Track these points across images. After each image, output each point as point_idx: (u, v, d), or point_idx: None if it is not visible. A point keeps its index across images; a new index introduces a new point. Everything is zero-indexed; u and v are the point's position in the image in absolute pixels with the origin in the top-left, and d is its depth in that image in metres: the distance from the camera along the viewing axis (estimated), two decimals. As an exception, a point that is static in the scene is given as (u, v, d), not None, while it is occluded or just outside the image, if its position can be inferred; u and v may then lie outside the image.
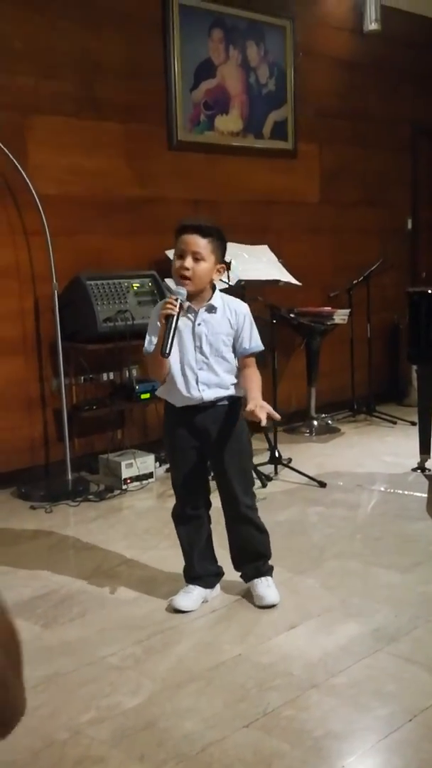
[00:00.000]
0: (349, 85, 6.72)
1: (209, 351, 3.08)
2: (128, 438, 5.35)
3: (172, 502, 4.66)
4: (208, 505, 3.33)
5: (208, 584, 3.35)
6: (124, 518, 4.42)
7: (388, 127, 7.07)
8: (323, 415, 6.41)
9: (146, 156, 5.44)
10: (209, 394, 3.11)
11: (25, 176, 4.64)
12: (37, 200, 4.66)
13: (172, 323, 2.91)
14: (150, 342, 3.08)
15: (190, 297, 3.04)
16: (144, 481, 4.94)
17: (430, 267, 7.61)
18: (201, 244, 2.99)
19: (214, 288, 3.12)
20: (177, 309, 2.91)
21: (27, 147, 4.85)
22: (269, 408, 3.03)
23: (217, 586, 3.39)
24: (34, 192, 4.65)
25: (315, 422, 6.25)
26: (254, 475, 3.42)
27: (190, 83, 5.64)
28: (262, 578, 3.32)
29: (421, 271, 7.54)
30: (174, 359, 3.07)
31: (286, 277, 5.42)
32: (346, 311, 6.11)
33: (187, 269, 2.98)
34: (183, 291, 2.99)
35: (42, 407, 5.05)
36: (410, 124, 7.28)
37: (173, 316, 2.91)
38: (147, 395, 5.12)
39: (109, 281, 4.98)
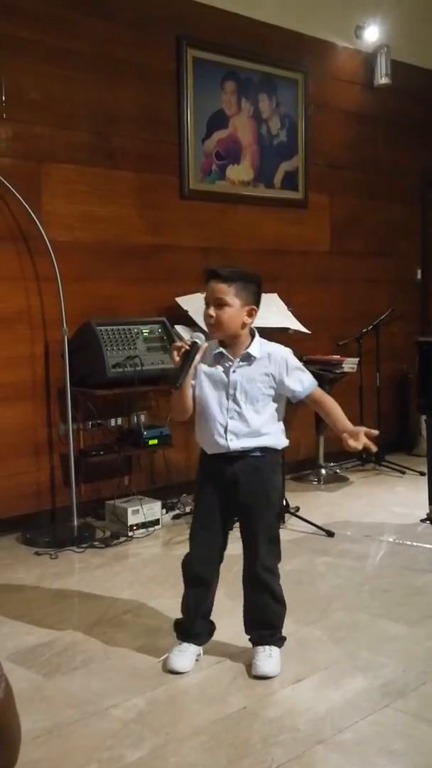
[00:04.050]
0: (359, 137, 6.81)
1: (244, 399, 2.99)
2: (135, 484, 5.33)
3: (178, 549, 4.65)
4: (221, 560, 3.18)
5: (202, 642, 3.22)
6: (129, 566, 4.38)
7: (398, 179, 7.15)
8: (331, 464, 6.38)
9: (158, 204, 5.50)
10: (237, 444, 3.00)
11: (38, 223, 4.69)
12: (50, 247, 4.70)
13: (189, 356, 2.90)
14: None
15: (226, 345, 3.00)
16: (150, 528, 4.91)
17: (439, 317, 7.63)
18: (222, 289, 2.93)
19: (253, 333, 3.04)
20: (188, 345, 2.90)
21: (41, 194, 4.91)
22: (364, 429, 2.95)
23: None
24: (46, 238, 4.70)
25: (323, 471, 6.22)
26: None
27: (202, 133, 5.73)
28: (266, 647, 3.12)
29: (430, 320, 7.56)
30: (207, 405, 3.02)
31: (295, 325, 5.44)
32: (355, 360, 6.12)
33: (211, 317, 2.95)
34: (201, 335, 2.98)
35: (49, 452, 5.04)
36: (420, 177, 7.35)
37: (188, 350, 2.90)
38: (155, 441, 5.12)
39: (119, 327, 5.00)
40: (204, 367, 3.03)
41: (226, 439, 3.01)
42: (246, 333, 3.02)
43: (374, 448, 2.97)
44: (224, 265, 3.07)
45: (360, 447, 2.94)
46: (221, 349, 3.02)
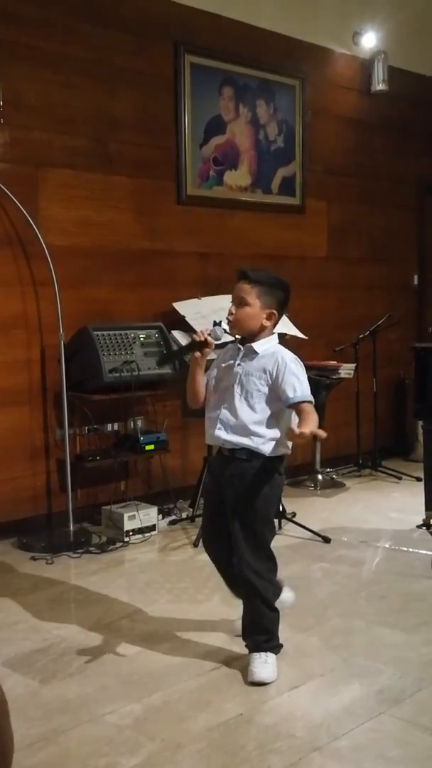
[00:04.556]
0: (356, 143, 6.82)
1: (239, 391, 3.06)
2: (132, 489, 5.32)
3: (174, 555, 4.66)
4: (229, 546, 3.16)
5: None
6: (125, 571, 4.38)
7: (395, 185, 7.16)
8: (328, 470, 6.38)
9: (155, 210, 5.51)
10: (222, 435, 3.08)
11: (35, 227, 4.69)
12: (46, 251, 4.70)
13: (189, 347, 3.10)
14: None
15: (244, 341, 3.11)
16: (146, 534, 4.90)
17: (436, 323, 7.64)
18: (245, 289, 3.05)
19: (271, 335, 3.12)
20: (202, 339, 3.05)
21: (38, 199, 4.91)
22: (311, 428, 2.80)
23: None
24: (43, 243, 4.70)
25: (320, 476, 6.22)
26: (270, 549, 3.19)
27: (200, 139, 5.73)
28: (261, 653, 3.12)
29: (427, 326, 7.56)
30: (211, 394, 3.16)
31: (292, 330, 5.44)
32: (352, 365, 6.12)
33: (231, 314, 3.08)
34: (221, 333, 3.09)
35: (45, 457, 5.03)
36: (417, 183, 7.37)
37: (196, 342, 3.06)
38: (151, 446, 5.11)
39: (115, 332, 5.00)
40: (221, 359, 3.18)
41: (215, 428, 3.09)
42: (265, 334, 3.10)
43: (296, 435, 2.80)
44: (257, 268, 3.14)
45: (299, 434, 2.78)
46: (238, 345, 3.13)
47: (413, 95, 7.18)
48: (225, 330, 3.11)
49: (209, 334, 3.07)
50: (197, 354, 3.09)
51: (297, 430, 2.80)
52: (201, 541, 3.37)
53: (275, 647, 3.17)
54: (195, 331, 3.15)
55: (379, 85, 6.76)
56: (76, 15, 5.03)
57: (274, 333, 3.13)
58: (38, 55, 4.87)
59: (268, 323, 3.07)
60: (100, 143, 5.20)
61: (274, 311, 3.07)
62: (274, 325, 3.11)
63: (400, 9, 6.73)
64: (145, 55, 5.38)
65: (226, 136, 5.91)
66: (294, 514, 5.13)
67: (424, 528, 5.01)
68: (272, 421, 3.06)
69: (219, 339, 3.10)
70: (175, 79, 5.55)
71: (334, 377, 6.01)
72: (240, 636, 3.26)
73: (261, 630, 3.15)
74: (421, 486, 5.17)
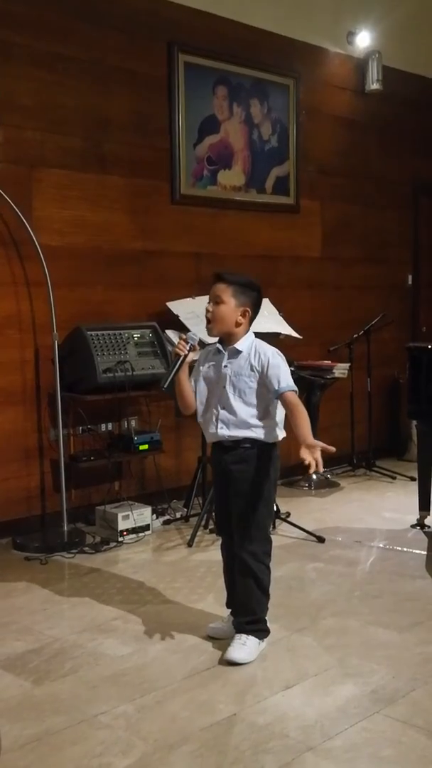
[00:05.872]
0: (350, 143, 6.82)
1: (231, 391, 3.24)
2: (125, 490, 5.32)
3: (168, 555, 4.66)
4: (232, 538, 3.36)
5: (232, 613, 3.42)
6: (119, 571, 4.37)
7: (389, 185, 7.16)
8: (322, 469, 6.36)
9: (149, 210, 5.50)
10: (225, 432, 3.26)
11: (28, 228, 4.68)
12: (40, 251, 4.69)
13: (177, 362, 3.25)
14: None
15: (224, 342, 3.28)
16: (140, 534, 4.89)
17: (430, 322, 7.64)
18: (221, 288, 3.24)
19: (247, 333, 3.28)
20: (186, 350, 3.24)
21: (32, 199, 4.90)
22: (321, 445, 3.05)
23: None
24: (37, 243, 4.69)
25: (314, 476, 6.20)
26: (268, 531, 3.39)
27: (194, 139, 5.73)
28: (242, 635, 3.25)
29: (421, 326, 7.58)
30: (204, 398, 3.32)
31: (286, 330, 5.44)
32: (346, 365, 6.12)
33: (209, 311, 3.26)
34: (196, 337, 3.30)
35: (39, 457, 5.02)
36: (411, 183, 7.37)
37: (180, 356, 3.24)
38: (145, 447, 5.11)
39: (109, 332, 4.99)
40: (203, 364, 3.34)
41: (217, 427, 3.27)
42: (241, 332, 3.26)
43: (321, 468, 3.06)
44: (231, 271, 3.35)
45: (309, 460, 3.03)
46: (219, 346, 3.30)
47: (407, 95, 7.18)
48: (194, 334, 3.35)
49: (187, 342, 3.26)
50: (189, 359, 3.27)
51: (307, 458, 3.01)
52: (221, 538, 3.50)
53: (257, 631, 3.28)
54: (182, 337, 3.32)
55: (374, 85, 6.77)
56: (70, 14, 5.02)
57: (250, 331, 3.29)
58: (32, 55, 4.86)
59: (242, 320, 3.25)
60: (93, 143, 5.19)
61: (248, 309, 3.25)
62: (249, 323, 3.28)
63: (394, 8, 6.74)
64: (138, 55, 5.37)
65: (220, 136, 5.91)
66: (288, 514, 5.13)
67: (418, 528, 5.02)
68: (267, 411, 3.27)
69: (196, 341, 3.30)
70: (168, 79, 5.55)
71: (328, 377, 6.01)
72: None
73: (246, 611, 3.28)
74: (415, 486, 5.18)
